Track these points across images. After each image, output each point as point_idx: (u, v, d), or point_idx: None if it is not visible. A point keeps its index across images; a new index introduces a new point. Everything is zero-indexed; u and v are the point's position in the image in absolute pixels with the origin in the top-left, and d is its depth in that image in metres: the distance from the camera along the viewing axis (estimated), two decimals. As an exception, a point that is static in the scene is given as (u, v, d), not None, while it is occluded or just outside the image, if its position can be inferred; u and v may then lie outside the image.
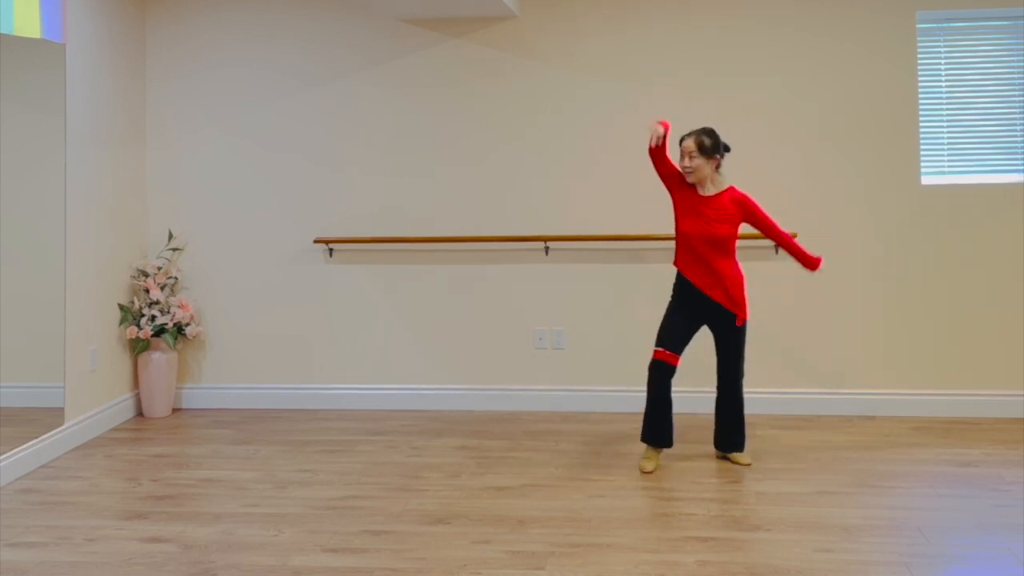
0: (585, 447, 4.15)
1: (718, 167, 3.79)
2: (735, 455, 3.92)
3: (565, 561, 2.88)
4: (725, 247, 3.77)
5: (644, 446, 4.13)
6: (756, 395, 4.77)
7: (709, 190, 3.79)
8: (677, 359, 3.79)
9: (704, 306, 3.81)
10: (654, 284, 4.83)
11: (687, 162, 3.73)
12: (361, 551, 2.98)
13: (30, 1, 3.93)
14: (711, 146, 3.73)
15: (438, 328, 4.96)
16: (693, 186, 3.80)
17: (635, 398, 4.82)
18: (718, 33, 4.80)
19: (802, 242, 4.73)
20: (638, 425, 4.51)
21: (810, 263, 3.84)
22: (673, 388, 4.78)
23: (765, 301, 4.77)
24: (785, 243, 3.84)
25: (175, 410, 5.01)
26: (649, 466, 3.79)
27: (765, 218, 3.81)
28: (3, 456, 3.75)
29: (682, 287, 3.84)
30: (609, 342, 4.85)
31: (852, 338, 4.74)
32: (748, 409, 4.74)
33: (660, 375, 3.77)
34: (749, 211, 3.79)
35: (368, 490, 3.60)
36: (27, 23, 3.91)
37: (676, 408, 4.77)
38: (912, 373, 4.71)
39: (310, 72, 5.01)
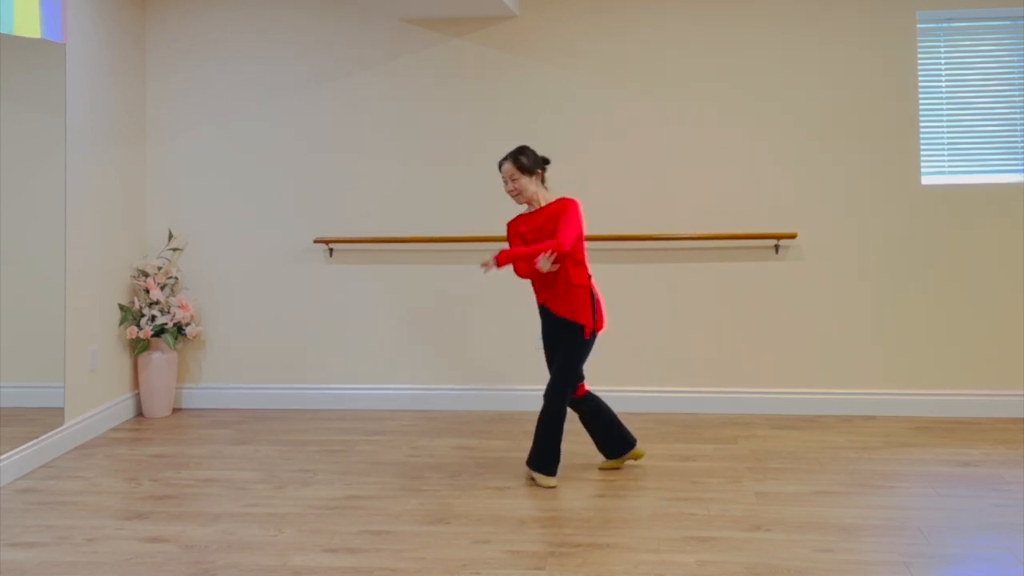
0: (585, 447, 4.14)
1: (542, 181, 3.67)
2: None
3: (565, 561, 2.88)
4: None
5: (642, 447, 4.15)
6: (756, 395, 4.77)
7: (535, 206, 3.66)
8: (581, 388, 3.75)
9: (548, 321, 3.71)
10: (656, 284, 4.83)
11: (510, 186, 3.62)
12: (361, 551, 2.98)
13: (30, 1, 3.93)
14: (529, 164, 3.61)
15: (438, 328, 4.96)
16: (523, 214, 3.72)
17: (636, 398, 4.83)
18: (718, 33, 4.80)
19: (802, 242, 4.74)
20: (639, 425, 4.52)
21: (555, 247, 3.48)
22: (667, 387, 4.82)
23: (765, 301, 4.77)
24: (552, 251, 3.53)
25: (175, 410, 5.01)
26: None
27: (554, 229, 3.55)
28: (3, 456, 3.75)
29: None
30: (610, 342, 4.84)
31: (852, 338, 4.74)
32: (747, 409, 4.75)
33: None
34: (556, 221, 3.58)
35: (368, 490, 3.60)
36: (27, 23, 3.91)
37: (672, 408, 4.79)
38: (912, 373, 4.71)
39: (310, 72, 5.01)
